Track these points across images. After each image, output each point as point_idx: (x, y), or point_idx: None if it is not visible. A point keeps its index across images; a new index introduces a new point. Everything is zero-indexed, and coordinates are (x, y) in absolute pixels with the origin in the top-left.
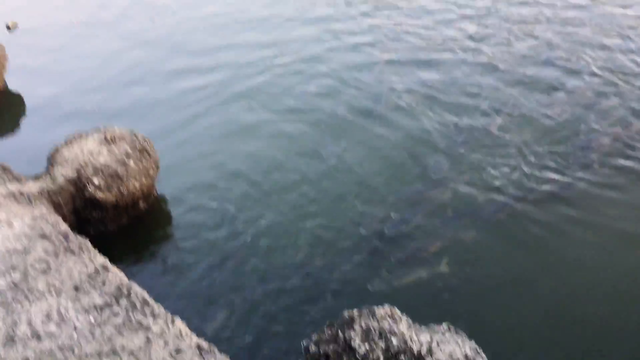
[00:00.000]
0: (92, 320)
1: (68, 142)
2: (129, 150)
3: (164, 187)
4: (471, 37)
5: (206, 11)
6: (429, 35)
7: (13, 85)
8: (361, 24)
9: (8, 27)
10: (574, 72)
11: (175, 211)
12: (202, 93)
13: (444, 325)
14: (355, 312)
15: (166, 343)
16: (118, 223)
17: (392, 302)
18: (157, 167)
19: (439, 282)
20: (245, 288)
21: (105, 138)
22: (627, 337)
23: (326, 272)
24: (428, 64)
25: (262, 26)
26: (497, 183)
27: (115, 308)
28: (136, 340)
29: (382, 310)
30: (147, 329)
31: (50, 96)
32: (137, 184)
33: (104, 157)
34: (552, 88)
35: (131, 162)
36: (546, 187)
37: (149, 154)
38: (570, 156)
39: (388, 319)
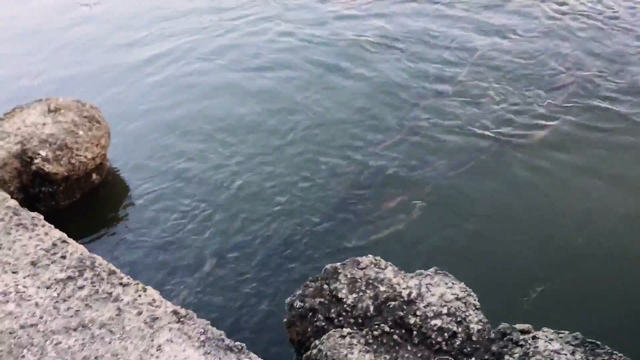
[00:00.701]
0: (55, 295)
1: (7, 116)
2: (77, 119)
3: (118, 157)
4: None
5: None
6: None
7: None
8: None
9: None
10: (529, 16)
11: (131, 181)
12: (162, 60)
13: (431, 270)
14: (338, 264)
15: (139, 312)
16: (71, 198)
17: (373, 254)
18: (109, 136)
19: (420, 229)
20: (215, 254)
21: (49, 108)
22: (611, 266)
23: (301, 231)
24: (383, 16)
25: None
26: (472, 127)
27: (80, 281)
28: (106, 312)
29: (366, 260)
30: (117, 299)
31: None
32: (88, 154)
33: (49, 127)
34: (509, 32)
35: (80, 131)
36: (521, 130)
37: (98, 122)
38: (539, 98)
39: (373, 267)
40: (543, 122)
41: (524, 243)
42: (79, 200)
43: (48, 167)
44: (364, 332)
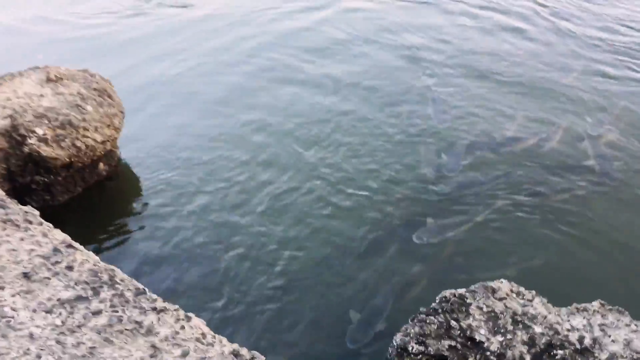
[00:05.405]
0: (59, 324)
1: None
2: (84, 92)
3: (130, 145)
4: None
5: None
6: None
7: None
8: None
9: None
10: None
11: (146, 174)
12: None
13: (595, 304)
14: (463, 290)
15: (185, 352)
16: (71, 192)
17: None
18: (123, 116)
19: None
20: (249, 267)
21: (48, 77)
22: None
23: (344, 230)
24: None
25: None
26: None
27: (95, 303)
28: (136, 351)
29: (503, 287)
30: (151, 331)
31: None
32: (97, 137)
33: (48, 100)
34: None
35: (88, 107)
36: None
37: (111, 98)
38: None
39: (515, 297)
40: None
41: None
42: (80, 195)
43: (45, 150)
44: None
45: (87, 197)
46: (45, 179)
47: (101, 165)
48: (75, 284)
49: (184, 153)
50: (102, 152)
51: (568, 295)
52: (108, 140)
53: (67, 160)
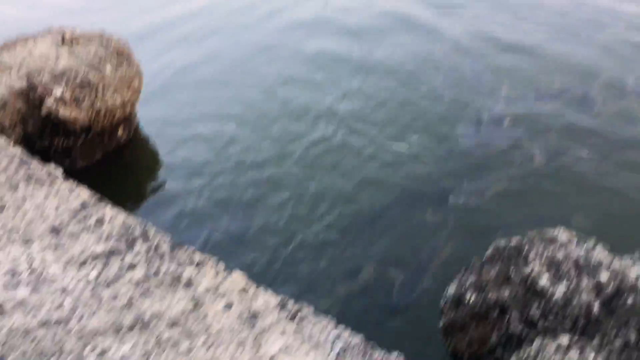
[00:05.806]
0: (94, 277)
1: (7, 46)
2: (101, 53)
3: (146, 110)
4: None
5: None
6: None
7: None
8: None
9: None
10: None
11: (164, 142)
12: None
13: None
14: (520, 239)
15: (228, 304)
16: (90, 158)
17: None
18: (141, 79)
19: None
20: (287, 220)
21: (64, 38)
22: None
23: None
24: None
25: None
26: None
27: (129, 256)
28: (176, 304)
29: (562, 234)
30: (190, 284)
31: None
32: (117, 98)
33: (65, 60)
34: None
35: (107, 68)
36: None
37: (129, 60)
38: None
39: (575, 245)
40: None
41: None
42: (100, 160)
43: (64, 111)
44: (595, 343)
45: (107, 162)
46: (64, 143)
47: (120, 131)
48: (108, 237)
49: (209, 115)
50: (122, 115)
51: (627, 247)
52: (127, 103)
53: (87, 121)
